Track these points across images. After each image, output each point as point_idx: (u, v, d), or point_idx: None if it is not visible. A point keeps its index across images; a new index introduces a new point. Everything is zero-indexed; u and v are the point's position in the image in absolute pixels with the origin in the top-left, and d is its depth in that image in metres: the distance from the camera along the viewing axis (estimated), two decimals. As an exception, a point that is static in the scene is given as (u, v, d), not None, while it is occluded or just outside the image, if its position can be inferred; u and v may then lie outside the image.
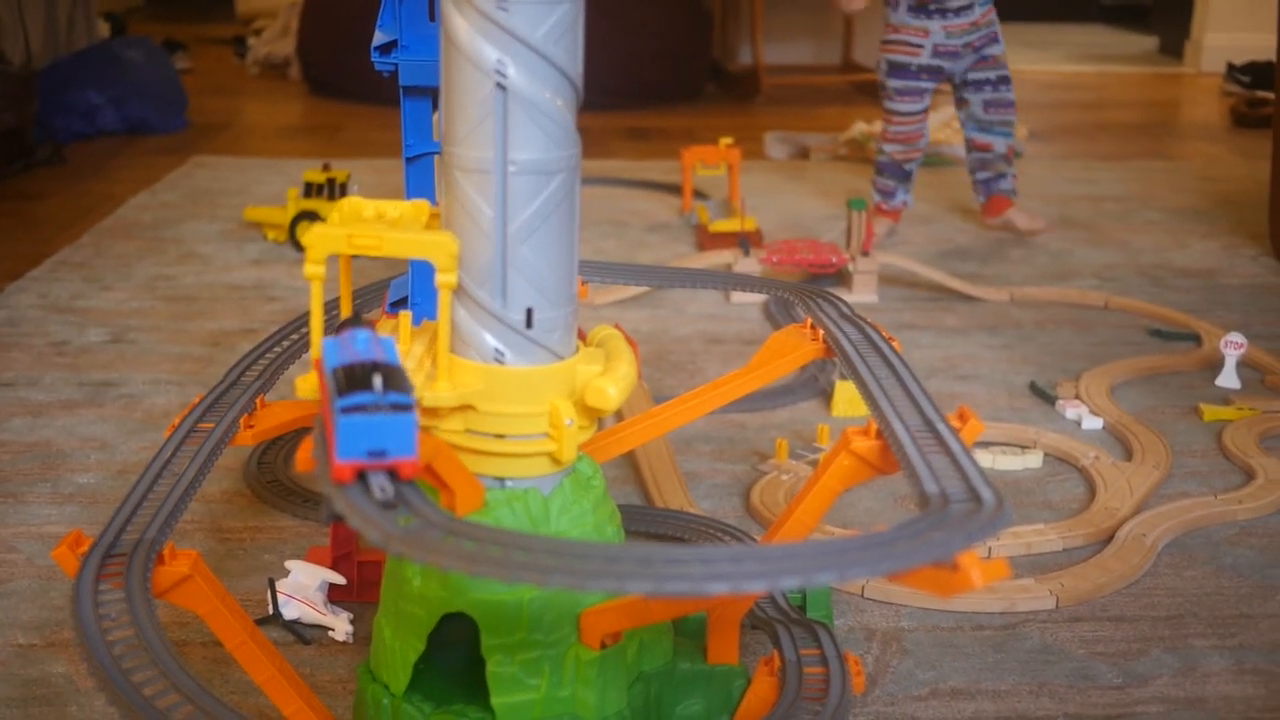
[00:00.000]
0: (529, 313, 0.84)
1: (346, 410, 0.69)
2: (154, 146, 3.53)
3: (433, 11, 1.09)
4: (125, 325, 2.05)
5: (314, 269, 0.80)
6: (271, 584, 1.22)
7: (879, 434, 0.90)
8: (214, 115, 4.02)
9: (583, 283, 1.39)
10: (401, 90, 1.10)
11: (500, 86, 0.80)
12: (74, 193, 2.99)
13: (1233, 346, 1.88)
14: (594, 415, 0.88)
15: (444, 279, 0.80)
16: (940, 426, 0.88)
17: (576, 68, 0.82)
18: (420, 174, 1.13)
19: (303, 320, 1.31)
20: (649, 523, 1.39)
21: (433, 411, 0.84)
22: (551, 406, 0.86)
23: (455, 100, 0.81)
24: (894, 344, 1.10)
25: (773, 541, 0.95)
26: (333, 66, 4.39)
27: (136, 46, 3.78)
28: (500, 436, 0.86)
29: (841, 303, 1.23)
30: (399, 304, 1.22)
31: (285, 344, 1.28)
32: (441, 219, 0.85)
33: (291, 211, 2.49)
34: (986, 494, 0.78)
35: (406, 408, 0.70)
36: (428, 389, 0.83)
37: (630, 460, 1.56)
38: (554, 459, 0.87)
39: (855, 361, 1.01)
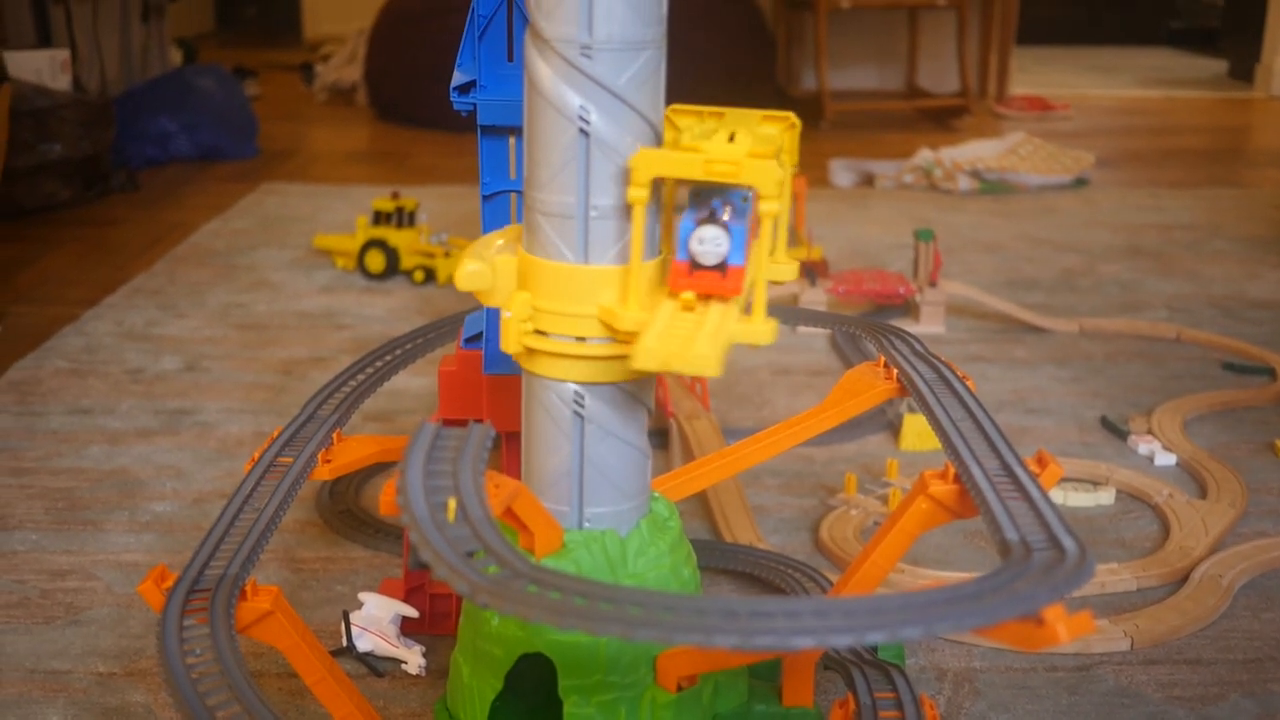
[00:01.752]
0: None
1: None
2: (225, 173, 3.58)
3: (511, 52, 1.11)
4: (199, 353, 2.08)
5: (638, 193, 0.78)
6: (346, 616, 1.24)
7: (956, 478, 0.89)
8: (283, 141, 4.08)
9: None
10: (480, 129, 1.11)
11: (583, 132, 0.80)
12: (148, 219, 3.04)
13: (1309, 382, 1.85)
14: None
15: (767, 208, 0.78)
16: (1019, 471, 0.88)
17: (658, 113, 0.83)
18: (497, 211, 1.14)
19: (377, 354, 1.33)
20: (719, 558, 1.39)
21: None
22: None
23: (538, 145, 0.82)
24: (968, 383, 1.09)
25: (849, 585, 0.95)
26: (399, 93, 4.44)
27: (208, 74, 3.84)
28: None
29: (914, 339, 1.22)
30: (474, 339, 1.24)
31: (361, 377, 1.29)
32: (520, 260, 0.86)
33: (360, 239, 2.51)
34: (1069, 543, 0.78)
35: None
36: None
37: (699, 494, 1.56)
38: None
39: (930, 402, 1.01)
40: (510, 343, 0.83)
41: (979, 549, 1.48)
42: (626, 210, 0.82)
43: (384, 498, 0.78)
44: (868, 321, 1.31)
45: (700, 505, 1.55)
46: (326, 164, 3.81)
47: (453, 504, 0.73)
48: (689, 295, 0.78)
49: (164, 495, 1.58)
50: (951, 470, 0.90)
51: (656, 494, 0.94)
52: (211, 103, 3.75)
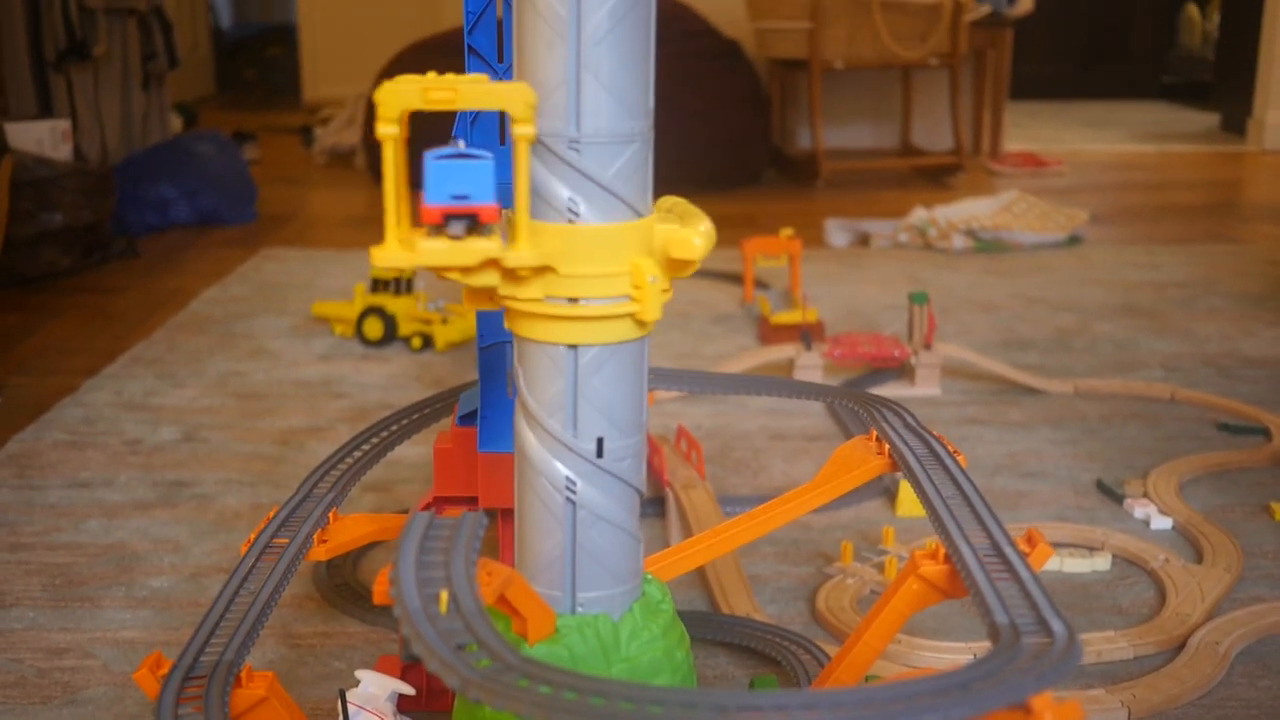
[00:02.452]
0: (600, 442, 0.85)
1: (436, 158, 0.77)
2: (224, 238, 3.61)
3: (503, 135, 1.12)
4: (197, 424, 2.09)
5: (386, 129, 0.80)
6: (342, 695, 1.23)
7: (947, 558, 0.90)
8: (282, 205, 4.11)
9: (650, 391, 1.41)
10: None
11: (572, 218, 0.82)
12: (147, 286, 3.06)
13: (1303, 443, 1.86)
14: (677, 271, 0.87)
15: (521, 131, 0.78)
16: (1008, 550, 0.89)
17: (646, 202, 0.84)
18: (492, 362, 1.15)
19: (373, 430, 1.33)
20: (716, 630, 1.40)
21: (512, 277, 0.84)
22: (633, 265, 0.84)
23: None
24: (959, 458, 1.10)
25: (842, 666, 0.95)
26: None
27: (208, 141, 3.88)
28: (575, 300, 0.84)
29: (906, 412, 1.23)
30: (469, 417, 1.24)
31: (357, 454, 1.30)
32: (515, 350, 0.87)
33: (358, 307, 2.53)
34: (1058, 626, 0.78)
35: (486, 158, 0.77)
36: (509, 249, 0.82)
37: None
38: (637, 320, 0.85)
39: (921, 479, 1.02)
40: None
41: (975, 618, 1.48)
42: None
43: (377, 587, 0.78)
44: (859, 394, 1.31)
45: (697, 575, 1.55)
46: (325, 228, 3.83)
47: (445, 596, 0.73)
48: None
49: (161, 570, 1.58)
50: (941, 550, 0.91)
51: (649, 576, 0.95)
52: (211, 169, 3.78)
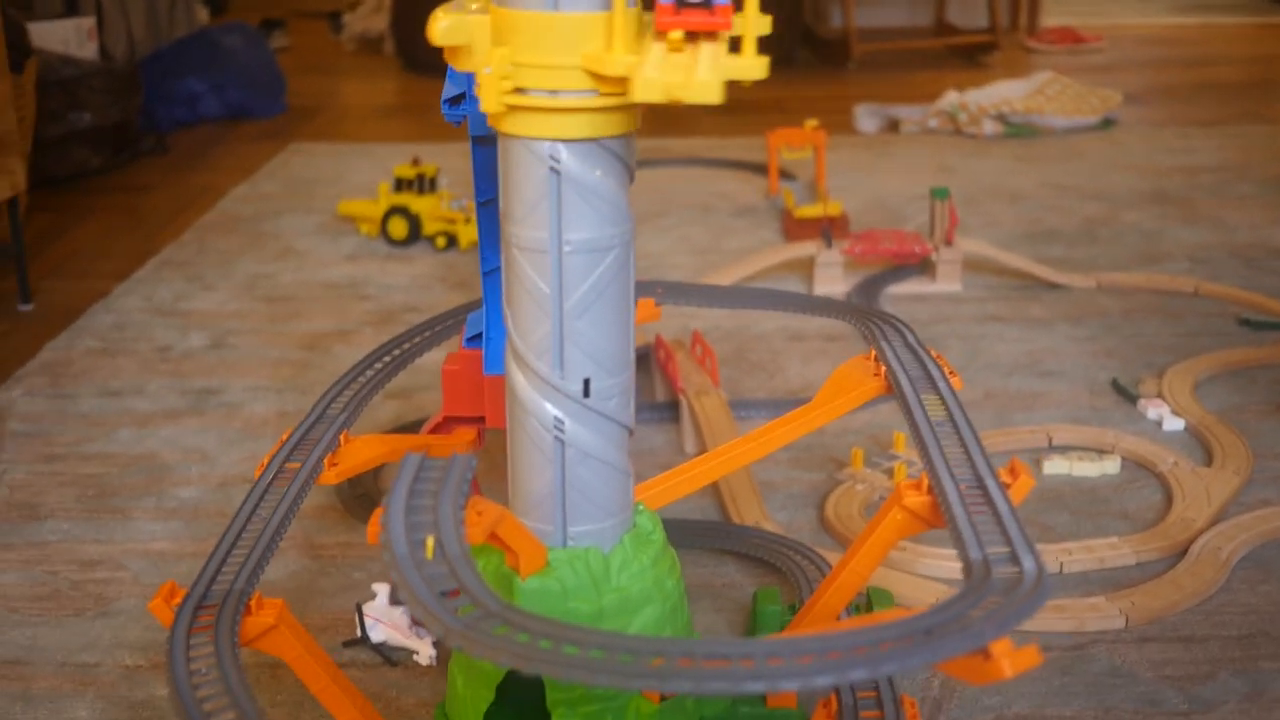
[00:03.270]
0: (586, 383, 0.87)
1: None
2: (253, 132, 3.62)
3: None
4: (225, 329, 2.13)
5: None
6: (359, 608, 1.28)
7: (930, 489, 0.92)
8: (311, 97, 4.10)
9: (655, 304, 1.43)
10: (471, 139, 1.13)
11: (554, 170, 0.83)
12: (177, 184, 3.08)
13: (1322, 341, 1.85)
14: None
15: None
16: (989, 483, 0.90)
17: (629, 147, 0.85)
18: (491, 218, 1.17)
19: (385, 348, 1.36)
20: (723, 539, 1.43)
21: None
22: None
23: (511, 183, 0.85)
24: (954, 380, 1.11)
25: (828, 593, 0.98)
26: (425, 43, 4.43)
27: (235, 32, 3.86)
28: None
29: (906, 329, 1.24)
30: (476, 338, 1.27)
31: (370, 373, 1.32)
32: (504, 293, 0.89)
33: (383, 206, 2.54)
34: (1028, 563, 0.80)
35: None
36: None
37: (707, 471, 1.59)
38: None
39: (912, 405, 1.04)
40: (490, 102, 0.81)
41: (983, 522, 1.51)
42: (599, 242, 0.85)
43: (370, 529, 0.81)
44: (861, 309, 1.32)
45: (707, 486, 1.58)
46: (354, 120, 3.83)
47: (430, 541, 0.76)
48: (677, 35, 0.76)
49: (189, 480, 1.63)
50: (926, 480, 0.93)
51: (640, 506, 0.97)
52: (238, 61, 3.77)
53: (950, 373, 1.13)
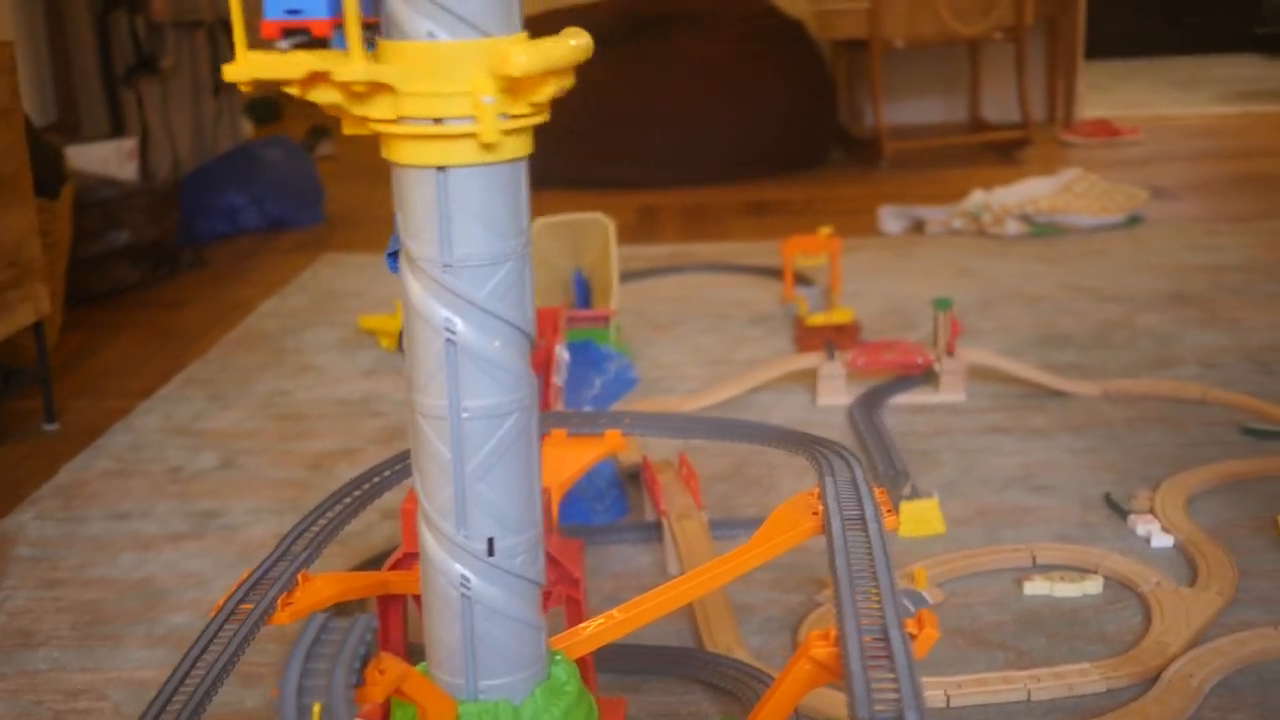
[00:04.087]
0: (490, 542, 0.90)
1: None
2: (290, 243, 3.71)
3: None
4: (236, 449, 2.18)
5: None
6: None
7: (836, 641, 0.93)
8: (349, 205, 4.20)
9: (622, 434, 1.46)
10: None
11: (450, 341, 0.86)
12: (211, 299, 3.17)
13: (1318, 453, 1.84)
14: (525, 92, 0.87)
15: None
16: (894, 634, 0.91)
17: (525, 317, 0.88)
18: None
19: (356, 483, 1.39)
20: (690, 668, 1.44)
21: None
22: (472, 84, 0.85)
23: (414, 352, 0.88)
24: (889, 520, 1.13)
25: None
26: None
27: (276, 146, 3.99)
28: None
29: (855, 463, 1.26)
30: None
31: (339, 507, 1.36)
32: (412, 457, 0.92)
33: (401, 320, 2.60)
34: (911, 717, 0.81)
35: None
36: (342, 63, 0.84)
37: (685, 595, 1.61)
38: (482, 144, 0.85)
39: (837, 551, 1.05)
40: None
41: (957, 648, 1.51)
42: (497, 409, 0.88)
43: (272, 694, 0.84)
44: (812, 440, 1.34)
45: (684, 608, 1.60)
46: (388, 228, 3.91)
47: (317, 709, 0.79)
48: None
49: (182, 606, 1.67)
50: (833, 632, 0.94)
51: (558, 656, 0.99)
52: (278, 174, 3.89)
53: (888, 511, 1.15)
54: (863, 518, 1.12)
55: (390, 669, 0.87)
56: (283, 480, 2.05)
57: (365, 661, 0.86)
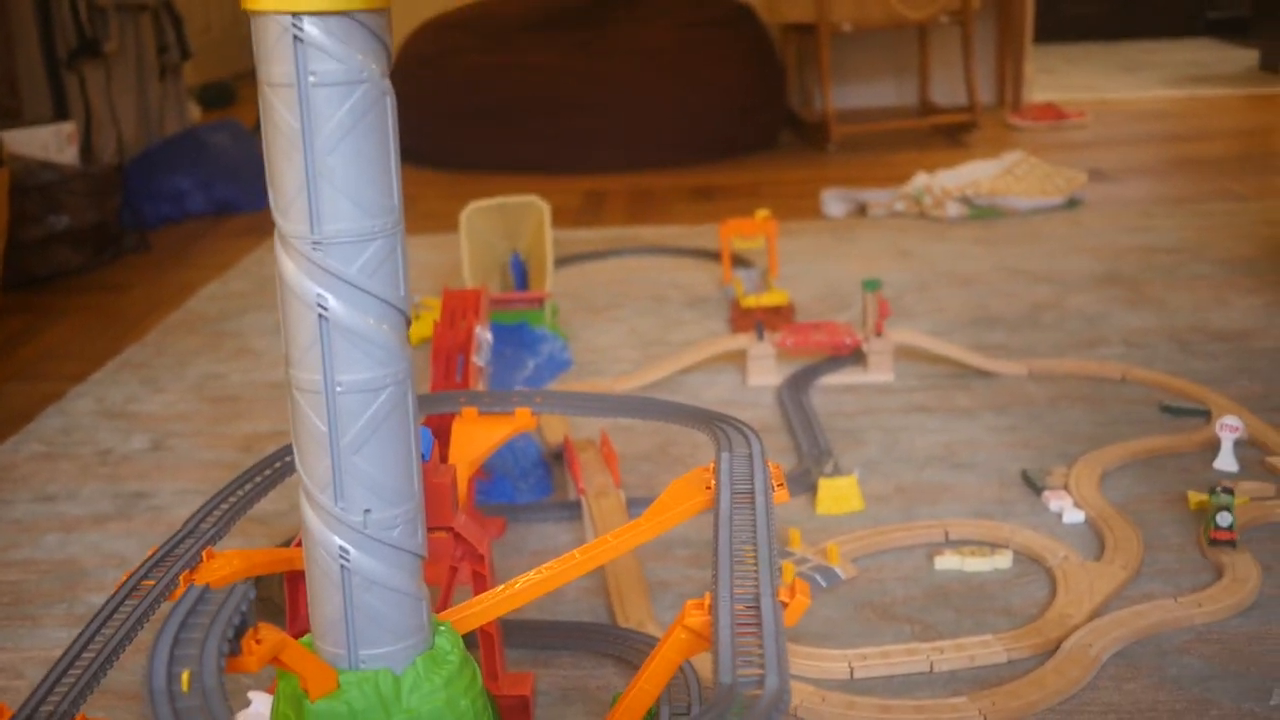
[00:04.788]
0: (367, 514, 0.92)
1: None
2: (237, 227, 3.71)
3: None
4: (168, 430, 2.19)
5: None
6: (231, 714, 1.32)
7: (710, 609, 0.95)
8: (300, 190, 4.19)
9: (531, 413, 1.47)
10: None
11: (322, 317, 0.88)
12: (154, 282, 3.17)
13: (1228, 430, 1.87)
14: None
15: None
16: (766, 603, 0.94)
17: (398, 293, 0.90)
18: None
19: (267, 461, 1.41)
20: (601, 643, 1.47)
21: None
22: None
23: (288, 327, 0.90)
24: (779, 494, 1.15)
25: (619, 709, 1.01)
26: (414, 134, 4.54)
27: (223, 130, 3.98)
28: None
29: (753, 437, 1.28)
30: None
31: (249, 486, 1.37)
32: (291, 431, 0.93)
33: (338, 304, 2.60)
34: (772, 682, 0.84)
35: None
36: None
37: (600, 572, 1.63)
38: None
39: (722, 524, 1.07)
40: None
41: (867, 621, 1.53)
42: (370, 383, 0.89)
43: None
44: (715, 416, 1.36)
45: (599, 582, 1.62)
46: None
47: (186, 676, 0.81)
48: None
49: (104, 586, 1.68)
50: (708, 600, 0.96)
51: (443, 627, 1.01)
52: (225, 158, 3.88)
53: (779, 485, 1.17)
54: (752, 491, 1.14)
55: (267, 638, 0.88)
56: (213, 462, 2.06)
57: (242, 631, 0.88)
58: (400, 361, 0.91)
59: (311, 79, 0.83)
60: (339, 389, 0.89)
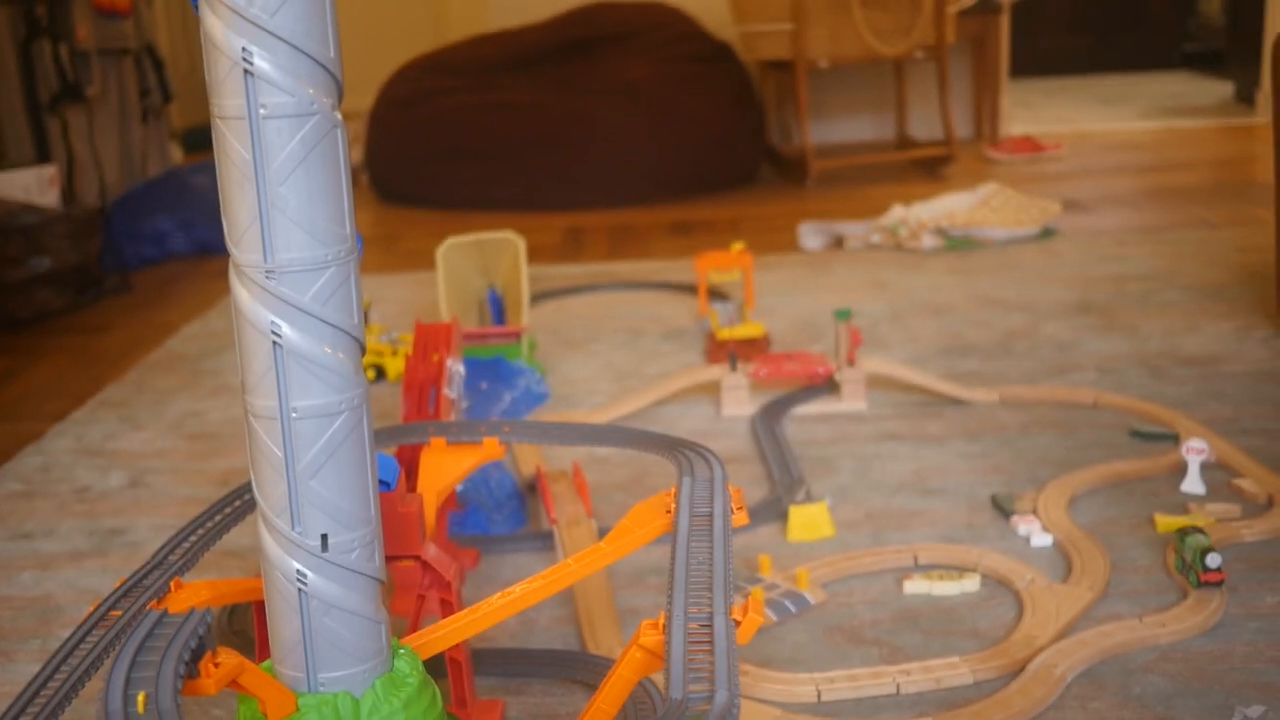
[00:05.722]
0: (324, 538, 0.93)
1: None
2: (217, 268, 3.73)
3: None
4: (145, 468, 2.20)
5: None
6: (199, 747, 1.33)
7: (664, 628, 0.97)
8: (282, 230, 4.22)
9: (499, 443, 1.49)
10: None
11: (277, 344, 0.89)
12: (135, 323, 3.18)
13: (1194, 452, 1.89)
14: None
15: None
16: (719, 621, 0.95)
17: (351, 320, 0.92)
18: None
19: (237, 493, 1.42)
20: (571, 670, 1.48)
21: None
22: None
23: (244, 355, 0.92)
24: (738, 516, 1.17)
25: (578, 729, 1.02)
26: (398, 174, 4.58)
27: (205, 171, 4.00)
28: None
29: (716, 463, 1.30)
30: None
31: (219, 517, 1.39)
32: (248, 456, 0.95)
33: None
34: (721, 697, 0.85)
35: None
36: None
37: (570, 599, 1.64)
38: None
39: (678, 546, 1.08)
40: None
41: (835, 645, 1.55)
42: (325, 409, 0.91)
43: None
44: (679, 443, 1.38)
45: (571, 610, 1.63)
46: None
47: (142, 697, 0.82)
48: None
49: (78, 621, 1.68)
50: (662, 619, 0.98)
51: (403, 650, 1.03)
52: (207, 199, 3.90)
53: (738, 508, 1.19)
54: (711, 515, 1.16)
55: (225, 662, 0.90)
56: (189, 498, 2.07)
57: (199, 655, 0.89)
58: (355, 387, 0.93)
59: (262, 111, 0.85)
60: (294, 414, 0.91)
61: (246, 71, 0.84)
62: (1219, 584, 1.57)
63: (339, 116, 0.89)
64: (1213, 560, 1.56)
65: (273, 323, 0.89)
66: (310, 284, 0.89)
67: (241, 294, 0.90)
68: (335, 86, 0.88)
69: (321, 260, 0.89)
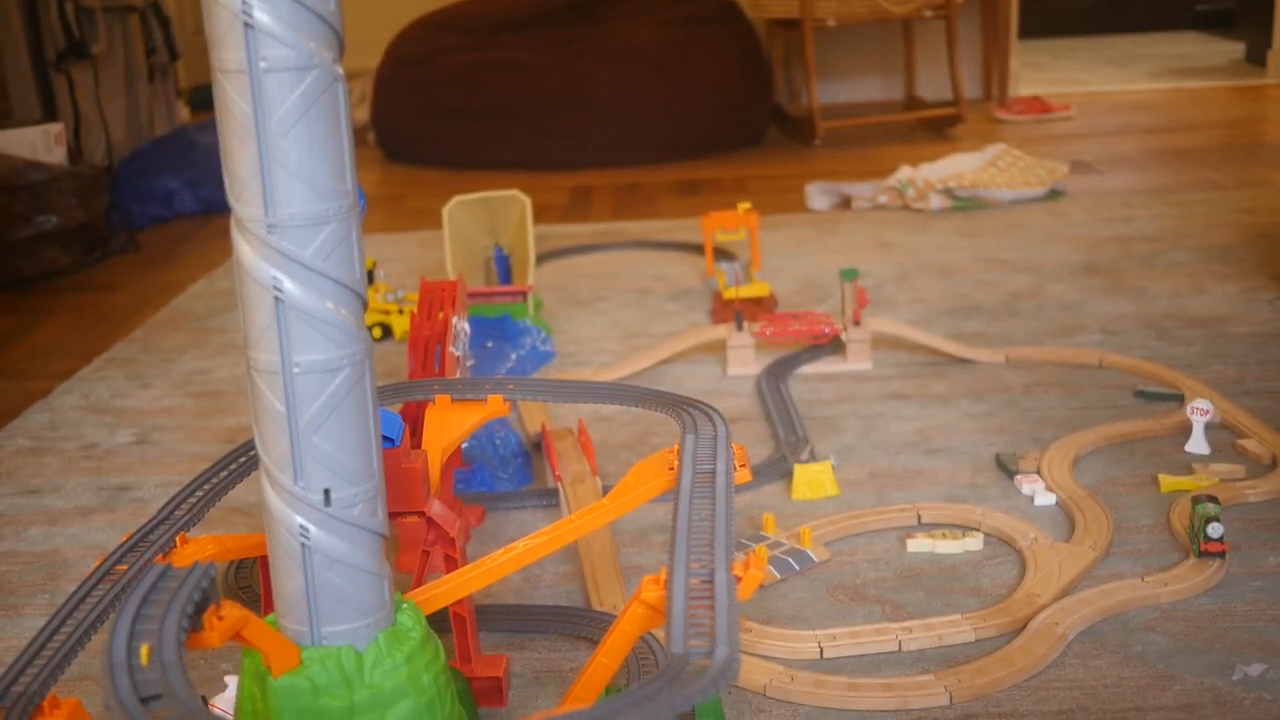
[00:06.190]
0: (327, 493, 0.94)
1: None
2: (224, 227, 3.70)
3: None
4: (153, 425, 2.21)
5: None
6: (204, 701, 1.34)
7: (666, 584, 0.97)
8: (288, 189, 4.21)
9: (504, 400, 1.49)
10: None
11: (279, 299, 0.90)
12: (142, 281, 3.18)
13: (1199, 413, 1.89)
14: None
15: None
16: (720, 577, 0.96)
17: (353, 275, 0.92)
18: None
19: (241, 450, 1.43)
20: (575, 626, 1.49)
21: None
22: None
23: (246, 309, 0.92)
24: (742, 473, 1.17)
25: (580, 682, 1.03)
26: (405, 133, 4.57)
27: (211, 130, 3.98)
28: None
29: (719, 420, 1.30)
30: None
31: (224, 474, 1.39)
32: (251, 412, 0.95)
33: (323, 300, 2.62)
34: (721, 650, 0.86)
35: None
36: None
37: (576, 556, 1.65)
38: None
39: (681, 503, 1.09)
40: None
41: (838, 603, 1.55)
42: (327, 364, 0.91)
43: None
44: (682, 400, 1.38)
45: (575, 567, 1.64)
46: (325, 211, 3.93)
47: (146, 649, 0.82)
48: None
49: (84, 576, 1.69)
50: (664, 575, 0.98)
51: (406, 604, 1.03)
52: (213, 158, 3.86)
53: (741, 465, 1.19)
54: (714, 471, 1.16)
55: (229, 615, 0.90)
56: (196, 455, 2.08)
57: (203, 608, 0.90)
58: (357, 343, 0.93)
59: (263, 64, 0.85)
60: (296, 370, 0.91)
61: (247, 24, 0.84)
62: (1220, 554, 1.57)
63: (340, 70, 0.89)
64: (1214, 530, 1.56)
65: (274, 277, 0.89)
66: (312, 239, 0.89)
67: (243, 249, 0.90)
68: (336, 40, 0.88)
69: (323, 215, 0.89)
